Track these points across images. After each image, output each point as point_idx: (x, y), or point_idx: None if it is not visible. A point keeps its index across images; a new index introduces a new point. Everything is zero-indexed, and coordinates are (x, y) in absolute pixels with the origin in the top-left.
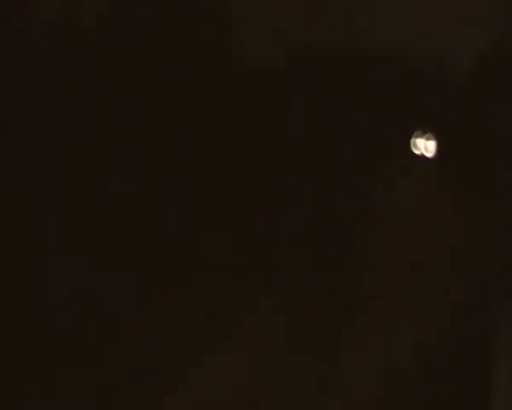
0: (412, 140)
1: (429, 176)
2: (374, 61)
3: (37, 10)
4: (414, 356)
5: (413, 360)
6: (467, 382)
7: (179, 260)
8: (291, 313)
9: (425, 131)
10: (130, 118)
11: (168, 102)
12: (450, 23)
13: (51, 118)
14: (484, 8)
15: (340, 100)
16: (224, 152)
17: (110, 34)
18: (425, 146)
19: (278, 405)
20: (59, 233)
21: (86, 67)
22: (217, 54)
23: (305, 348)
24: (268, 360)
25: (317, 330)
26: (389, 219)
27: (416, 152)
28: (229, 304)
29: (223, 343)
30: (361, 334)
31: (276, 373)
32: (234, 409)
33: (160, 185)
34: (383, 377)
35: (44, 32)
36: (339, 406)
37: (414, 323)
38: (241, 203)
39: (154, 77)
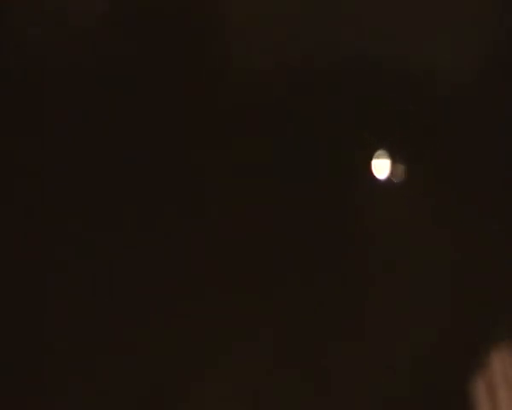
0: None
1: (427, 187)
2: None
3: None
4: (413, 367)
5: (412, 370)
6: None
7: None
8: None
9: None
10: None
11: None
12: (443, 33)
13: (51, 118)
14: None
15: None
16: (221, 161)
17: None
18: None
19: None
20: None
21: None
22: (215, 65)
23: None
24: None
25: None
26: (387, 230)
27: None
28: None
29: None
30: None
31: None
32: None
33: (156, 191)
34: (381, 390)
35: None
36: None
37: (412, 333)
38: (238, 213)
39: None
